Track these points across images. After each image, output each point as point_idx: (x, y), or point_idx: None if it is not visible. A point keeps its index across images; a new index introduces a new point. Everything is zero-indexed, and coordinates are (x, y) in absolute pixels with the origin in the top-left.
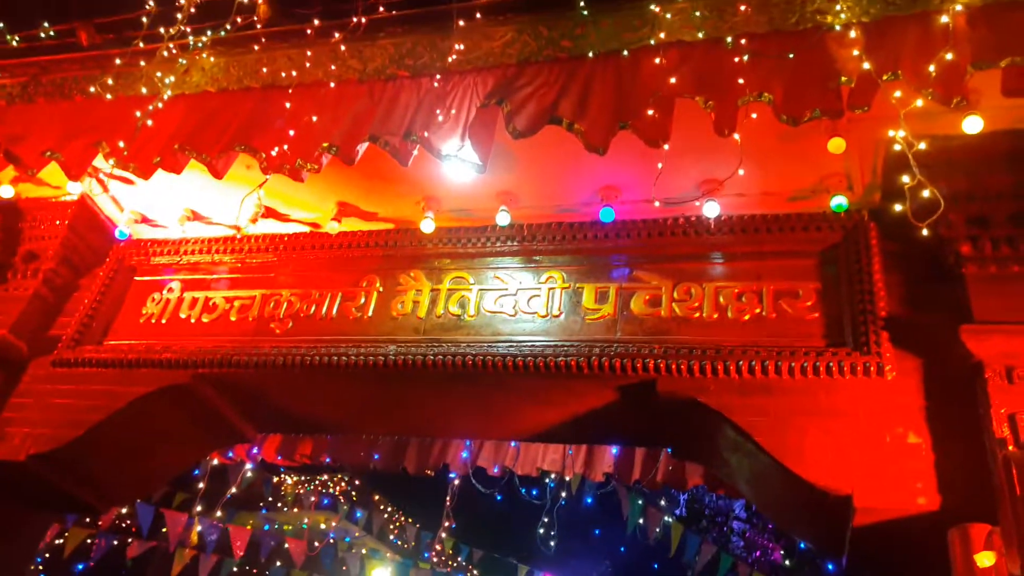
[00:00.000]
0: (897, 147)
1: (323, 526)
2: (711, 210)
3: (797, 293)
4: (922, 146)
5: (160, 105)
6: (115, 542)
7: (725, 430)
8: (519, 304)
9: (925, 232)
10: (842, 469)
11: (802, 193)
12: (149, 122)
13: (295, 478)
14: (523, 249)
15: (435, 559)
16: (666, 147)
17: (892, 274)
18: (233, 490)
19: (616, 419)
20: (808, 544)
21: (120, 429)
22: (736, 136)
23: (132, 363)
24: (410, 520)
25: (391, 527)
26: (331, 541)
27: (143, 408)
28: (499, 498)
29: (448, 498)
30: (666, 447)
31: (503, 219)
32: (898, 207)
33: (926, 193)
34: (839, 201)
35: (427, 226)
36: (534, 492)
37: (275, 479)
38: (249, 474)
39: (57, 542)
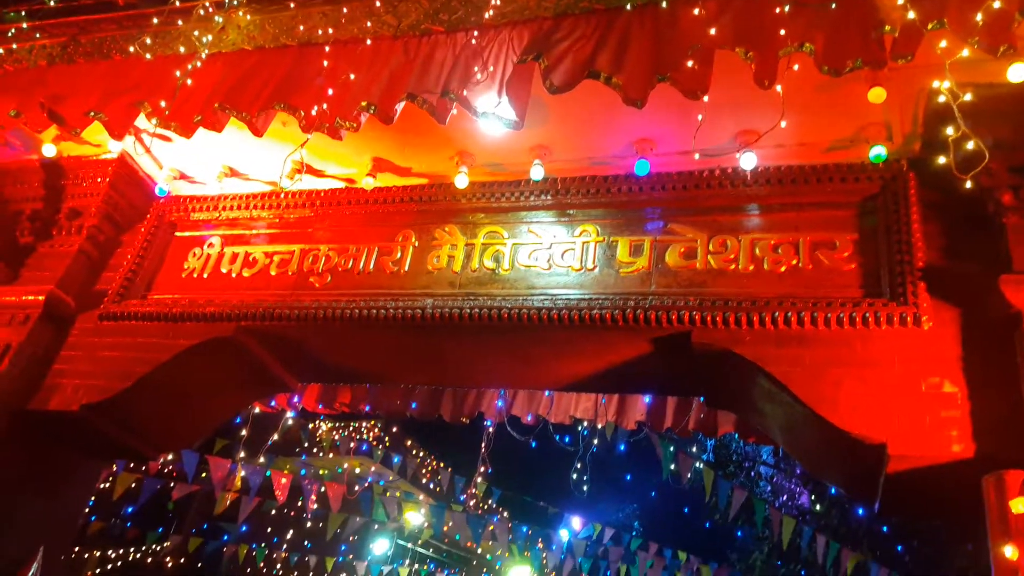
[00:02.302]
0: (940, 97)
1: (359, 471)
2: (748, 161)
3: (834, 244)
4: (967, 96)
5: (198, 64)
6: (160, 486)
7: (759, 380)
8: (553, 258)
9: (967, 182)
10: (877, 418)
11: (840, 143)
12: (188, 81)
13: (331, 425)
14: (557, 203)
15: (469, 502)
16: (705, 99)
17: (930, 224)
18: (275, 437)
19: (649, 370)
20: (840, 490)
21: (166, 380)
22: (777, 87)
23: (177, 317)
24: (443, 465)
25: (424, 472)
26: (367, 485)
27: (188, 360)
28: (533, 445)
29: (483, 444)
30: (699, 396)
31: (537, 173)
32: (938, 157)
33: (968, 143)
34: (878, 151)
35: (461, 181)
36: (567, 439)
37: (311, 426)
38: (290, 422)
39: (105, 486)
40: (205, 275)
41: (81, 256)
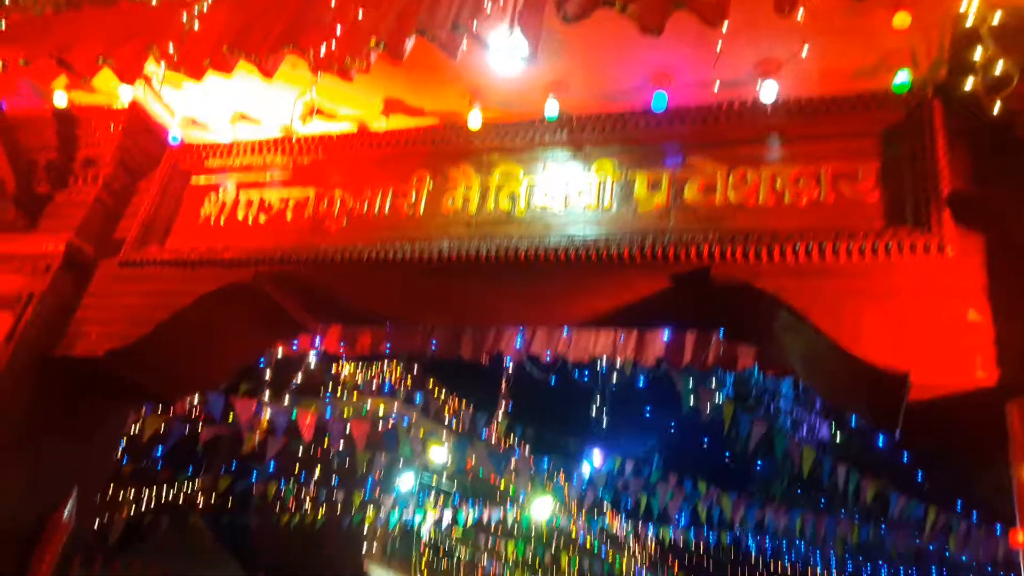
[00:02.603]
0: (968, 19)
1: (382, 410)
2: (769, 92)
3: (857, 175)
4: (996, 16)
5: (206, 7)
6: (188, 428)
7: (780, 313)
8: (569, 196)
9: (995, 106)
10: (899, 347)
11: (863, 72)
12: (196, 24)
13: (353, 367)
14: (572, 140)
15: (490, 438)
16: (723, 27)
17: (956, 152)
18: (298, 378)
19: (668, 306)
20: (861, 419)
21: (188, 325)
22: (799, 14)
23: (195, 263)
24: (465, 404)
25: (447, 410)
26: (391, 424)
27: (209, 305)
28: (552, 382)
29: (503, 381)
30: (718, 330)
31: (551, 109)
32: (965, 82)
33: (997, 66)
34: (902, 79)
35: (474, 120)
36: (586, 376)
37: (334, 368)
38: (312, 364)
39: (135, 430)
40: (221, 221)
41: (98, 205)
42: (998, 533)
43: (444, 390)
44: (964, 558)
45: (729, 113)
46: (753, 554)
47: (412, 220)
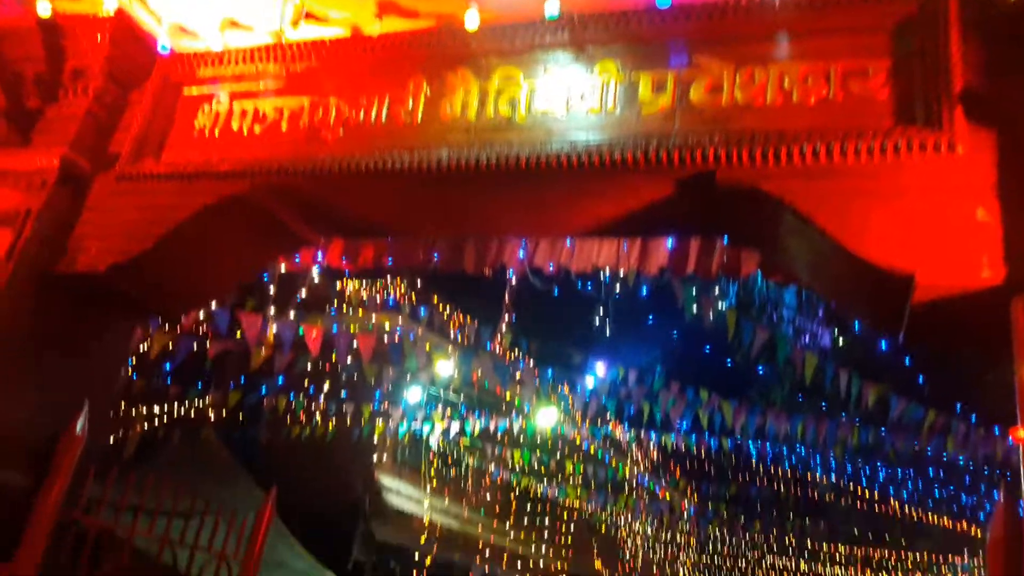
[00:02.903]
0: None
1: (388, 325)
2: None
3: (867, 72)
4: None
5: None
6: (196, 344)
7: (785, 216)
8: (571, 100)
9: None
10: (905, 248)
11: None
12: None
13: (358, 284)
14: (574, 41)
15: (495, 351)
16: None
17: (970, 44)
18: (303, 292)
19: (673, 212)
20: (864, 323)
21: (188, 239)
22: None
23: (191, 175)
24: (470, 319)
25: (452, 324)
26: (396, 339)
27: (208, 218)
28: (556, 292)
29: (507, 293)
30: (722, 237)
31: (552, 7)
32: None
33: None
34: None
35: (472, 21)
36: (589, 287)
37: (339, 285)
38: (315, 279)
39: (144, 347)
40: (216, 133)
41: (90, 118)
42: (996, 433)
43: (449, 305)
44: (962, 459)
45: (736, 8)
46: (754, 459)
47: (410, 128)
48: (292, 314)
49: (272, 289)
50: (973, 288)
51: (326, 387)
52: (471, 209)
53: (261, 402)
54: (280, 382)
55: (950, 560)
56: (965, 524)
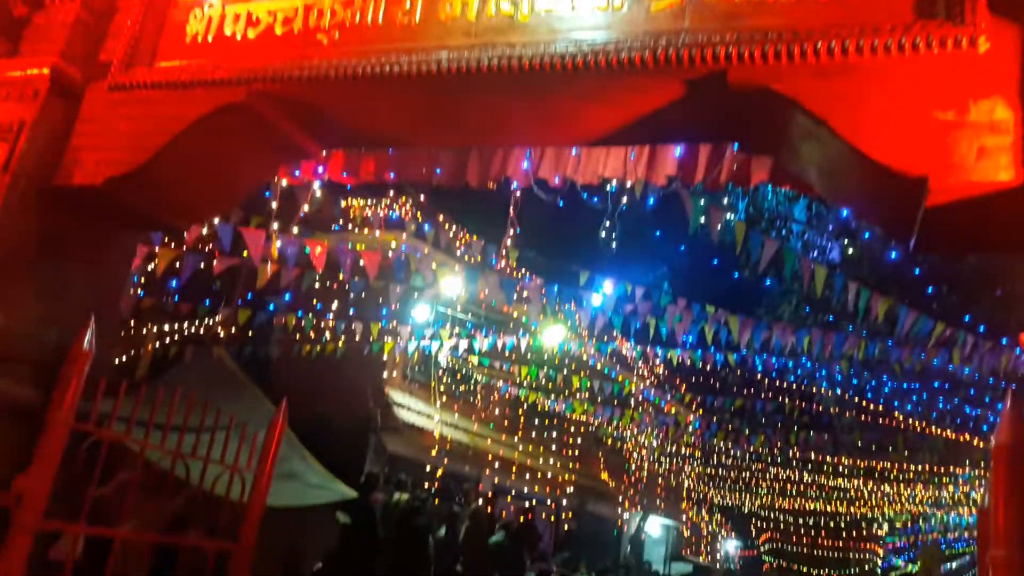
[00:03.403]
0: None
1: (393, 244)
2: None
3: None
4: None
5: None
6: (202, 261)
7: (797, 118)
8: None
9: None
10: (919, 150)
11: None
12: None
13: (363, 202)
14: None
15: (502, 268)
16: None
17: None
18: (305, 207)
19: (681, 116)
20: (876, 228)
21: (186, 150)
22: None
23: (186, 84)
24: (475, 237)
25: (457, 243)
26: (403, 256)
27: (204, 128)
28: (561, 204)
29: (511, 206)
30: (732, 143)
31: None
32: None
33: None
34: None
35: None
36: (595, 200)
37: (344, 204)
38: (318, 194)
39: (150, 267)
40: (209, 39)
41: (79, 25)
42: (1003, 344)
43: (454, 224)
44: (967, 370)
45: None
46: (759, 373)
47: (408, 29)
48: (296, 230)
49: (275, 205)
50: (988, 192)
51: (335, 305)
52: (473, 116)
53: (271, 320)
54: (288, 299)
55: (951, 471)
56: (967, 436)
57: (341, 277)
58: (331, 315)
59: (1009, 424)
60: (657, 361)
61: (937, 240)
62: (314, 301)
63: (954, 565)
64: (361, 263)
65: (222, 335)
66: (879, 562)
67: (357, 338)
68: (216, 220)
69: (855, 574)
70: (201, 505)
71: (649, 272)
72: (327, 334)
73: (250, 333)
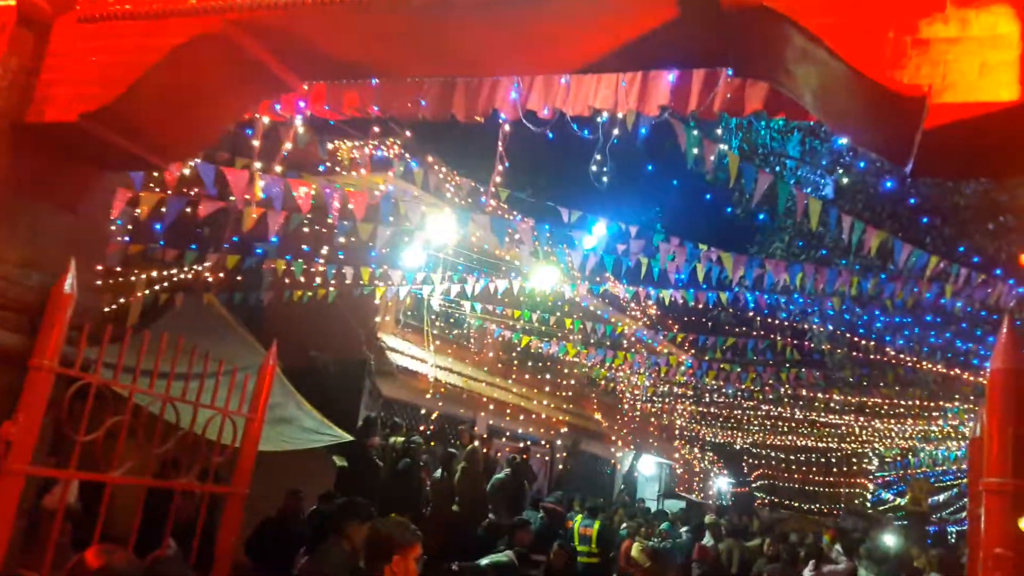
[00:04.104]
0: None
1: (381, 186)
2: None
3: None
4: None
5: None
6: (186, 205)
7: (793, 37)
8: None
9: None
10: (919, 68)
11: None
12: None
13: (350, 144)
14: None
15: (491, 204)
16: None
17: None
18: (288, 145)
19: (674, 39)
20: (873, 155)
21: (162, 83)
22: None
23: (159, 14)
24: (465, 178)
25: (447, 185)
26: (392, 199)
27: (180, 60)
28: (551, 137)
29: (500, 140)
30: (726, 69)
31: None
32: None
33: None
34: None
35: None
36: (586, 132)
37: (331, 146)
38: (301, 131)
39: (135, 213)
40: None
41: None
42: (997, 274)
43: (444, 166)
44: (959, 304)
45: None
46: (751, 311)
47: None
48: (280, 170)
49: (257, 144)
50: (991, 110)
51: (324, 250)
52: (455, 42)
53: (260, 265)
54: (275, 242)
55: (941, 405)
56: (958, 370)
57: (330, 221)
58: (321, 260)
59: (1006, 350)
60: (649, 302)
61: (936, 163)
62: (303, 246)
63: (941, 498)
64: (349, 205)
65: (212, 281)
66: (869, 496)
67: (348, 282)
68: (199, 160)
69: (845, 508)
70: (193, 450)
71: (642, 212)
72: (318, 279)
73: (239, 279)
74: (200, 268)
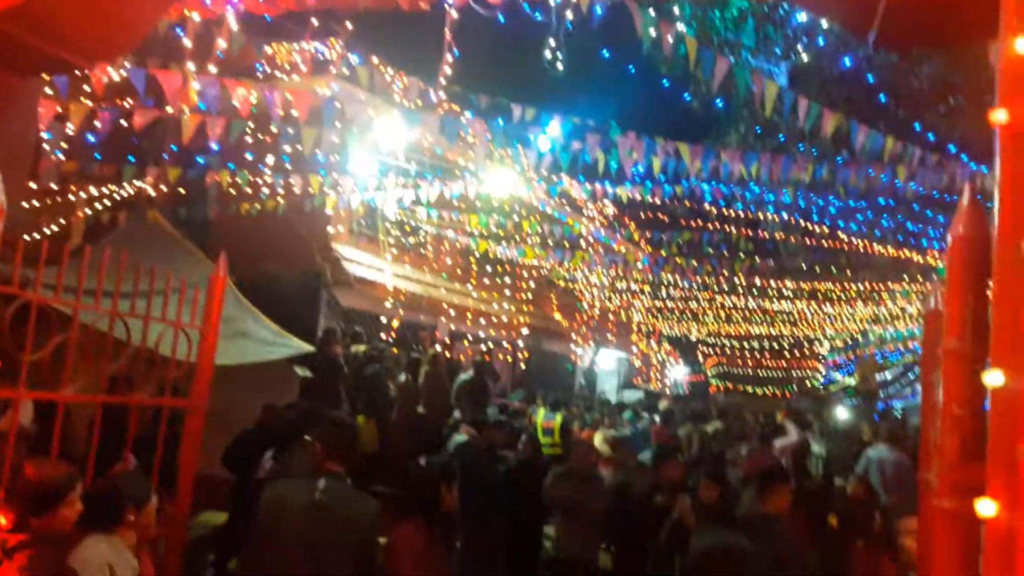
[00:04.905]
0: None
1: (326, 90)
2: None
3: None
4: None
5: None
6: (121, 117)
7: None
8: None
9: None
10: None
11: None
12: None
13: (289, 47)
14: None
15: (441, 106)
16: None
17: None
18: (222, 43)
19: None
20: (838, 21)
21: None
22: None
23: None
24: (413, 76)
25: (395, 87)
26: (338, 105)
27: None
28: (502, 21)
29: (447, 28)
30: None
31: None
32: None
33: None
34: None
35: None
36: (538, 15)
37: (270, 50)
38: (235, 28)
39: (67, 128)
40: None
41: None
42: (952, 151)
43: (391, 67)
44: (913, 185)
45: None
46: (708, 203)
47: None
48: (214, 70)
49: (189, 44)
50: None
51: (271, 160)
52: None
53: (204, 178)
54: (217, 149)
55: (889, 287)
56: (908, 252)
57: (274, 129)
58: (265, 168)
59: (967, 217)
60: (606, 200)
61: (898, 33)
62: (247, 155)
63: (888, 375)
64: (293, 111)
65: (155, 197)
66: (820, 378)
67: (297, 191)
68: (129, 66)
69: (797, 390)
70: (147, 366)
71: (597, 107)
72: (265, 190)
73: (184, 193)
74: (141, 184)
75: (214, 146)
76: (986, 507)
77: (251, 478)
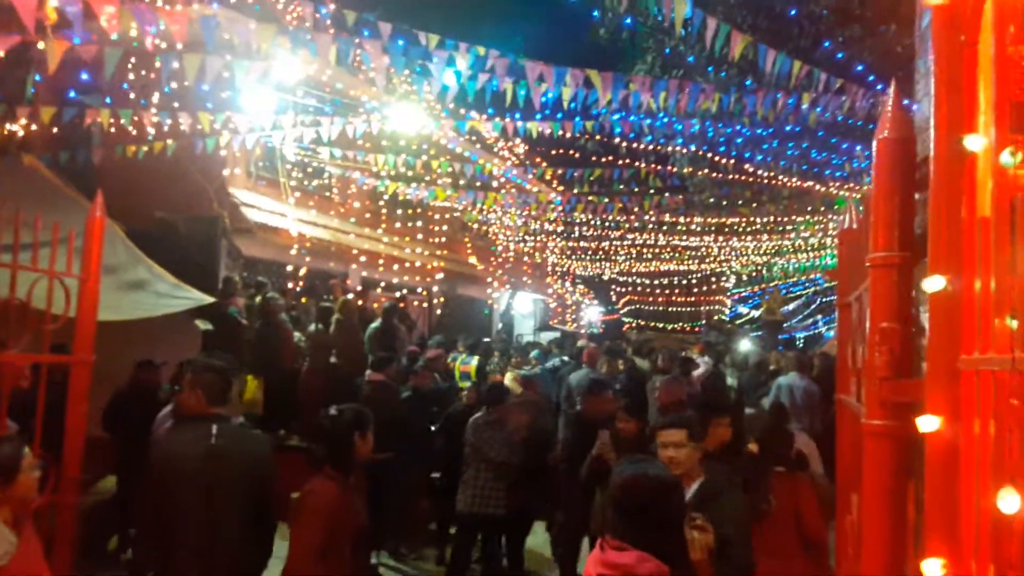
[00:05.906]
0: None
1: (205, 12)
2: None
3: None
4: None
5: None
6: None
7: None
8: None
9: None
10: None
11: None
12: None
13: None
14: None
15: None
16: None
17: None
18: None
19: None
20: None
21: None
22: None
23: None
24: (308, 4)
25: (289, 13)
26: (223, 33)
27: None
28: None
29: None
30: None
31: None
32: None
33: None
34: None
35: None
36: None
37: None
38: None
39: None
40: None
41: None
42: (859, 69)
43: None
44: (819, 109)
45: None
46: (617, 137)
47: None
48: None
49: None
50: None
51: (156, 98)
52: None
53: (81, 117)
54: (88, 79)
55: (792, 219)
56: (811, 182)
57: (157, 63)
58: (152, 107)
59: (892, 119)
60: (517, 140)
61: None
62: (131, 94)
63: (792, 307)
64: (174, 26)
65: (28, 139)
66: (726, 312)
67: (186, 130)
68: None
69: (706, 324)
70: (19, 320)
71: (504, 37)
72: (151, 130)
73: (61, 134)
74: (10, 126)
75: (85, 76)
76: (928, 422)
77: (134, 438)
